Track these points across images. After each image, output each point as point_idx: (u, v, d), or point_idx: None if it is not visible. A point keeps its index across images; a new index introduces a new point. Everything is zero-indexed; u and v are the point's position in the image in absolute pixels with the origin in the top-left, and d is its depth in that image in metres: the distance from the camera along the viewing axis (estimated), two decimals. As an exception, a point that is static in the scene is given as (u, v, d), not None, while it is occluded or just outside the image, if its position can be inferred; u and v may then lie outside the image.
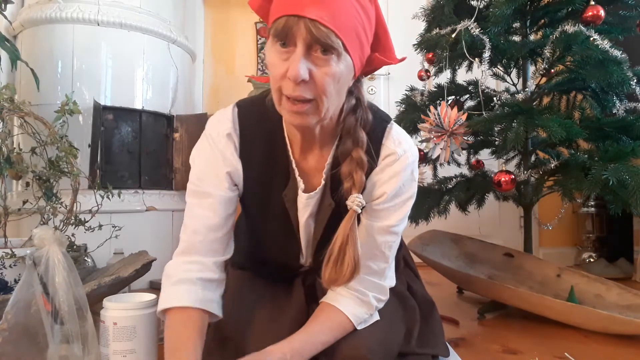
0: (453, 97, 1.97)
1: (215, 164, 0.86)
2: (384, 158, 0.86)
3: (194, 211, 0.86)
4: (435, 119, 1.61)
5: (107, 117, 2.19)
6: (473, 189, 1.81)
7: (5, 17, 1.79)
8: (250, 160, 0.87)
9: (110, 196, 1.51)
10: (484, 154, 2.00)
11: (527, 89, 1.65)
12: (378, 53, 0.81)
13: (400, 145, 0.86)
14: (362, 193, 0.79)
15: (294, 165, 0.87)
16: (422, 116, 1.68)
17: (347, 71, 0.74)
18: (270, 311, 0.91)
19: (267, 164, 0.87)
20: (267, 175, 0.88)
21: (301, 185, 0.87)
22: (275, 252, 0.97)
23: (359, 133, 0.81)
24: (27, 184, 1.47)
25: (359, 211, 0.78)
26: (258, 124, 0.87)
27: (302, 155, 0.88)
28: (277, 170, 0.88)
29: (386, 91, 3.09)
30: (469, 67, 1.90)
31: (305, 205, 0.88)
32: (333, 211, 0.86)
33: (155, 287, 2.10)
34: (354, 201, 0.77)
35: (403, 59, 0.85)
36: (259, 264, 1.01)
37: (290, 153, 0.87)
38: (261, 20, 3.54)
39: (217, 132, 0.87)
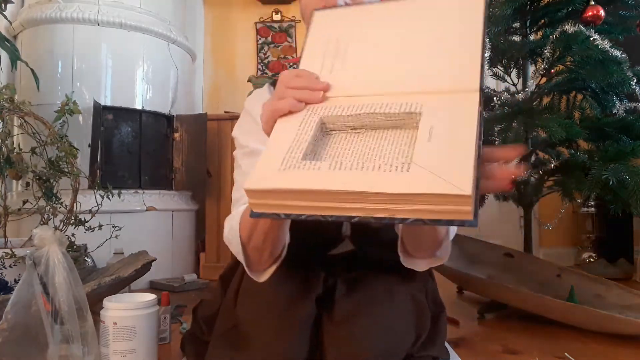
0: (453, 97, 1.97)
1: (258, 131, 0.87)
2: None
3: (249, 170, 0.84)
4: (435, 119, 1.61)
5: (107, 117, 2.20)
6: (473, 188, 1.81)
7: (5, 17, 1.78)
8: None
9: (110, 196, 1.51)
10: (484, 154, 2.00)
11: (527, 89, 1.65)
12: None
13: None
14: None
15: None
16: (422, 116, 1.68)
17: None
18: (282, 307, 0.88)
19: None
20: None
21: None
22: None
23: None
24: (27, 184, 1.47)
25: None
26: None
27: None
28: None
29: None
30: (469, 67, 1.90)
31: None
32: None
33: (155, 287, 2.10)
34: None
35: None
36: (294, 233, 0.89)
37: None
38: (261, 20, 3.54)
39: (256, 105, 0.89)
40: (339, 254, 0.96)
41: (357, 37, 0.61)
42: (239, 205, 0.83)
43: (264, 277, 0.78)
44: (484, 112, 0.50)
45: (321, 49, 0.61)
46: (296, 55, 3.24)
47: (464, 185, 0.41)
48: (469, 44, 0.54)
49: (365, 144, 0.51)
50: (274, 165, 0.50)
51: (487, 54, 1.61)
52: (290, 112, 0.57)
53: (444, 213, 0.43)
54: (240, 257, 0.76)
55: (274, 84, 0.94)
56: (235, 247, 0.77)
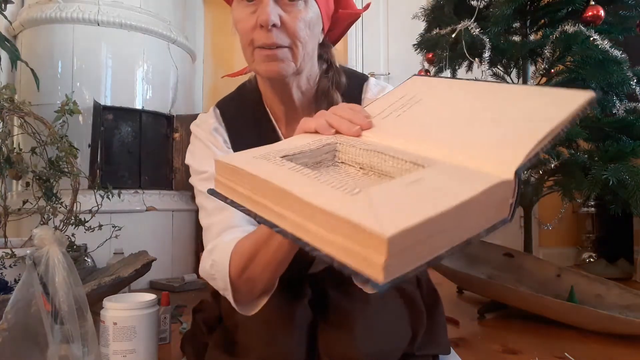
0: (453, 97, 1.97)
1: (211, 155, 0.85)
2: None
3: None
4: (435, 119, 1.61)
5: (107, 117, 2.20)
6: (473, 189, 1.81)
7: (5, 17, 1.79)
8: (243, 148, 0.87)
9: (110, 196, 1.51)
10: (484, 154, 1.99)
11: (527, 89, 1.65)
12: (341, 9, 0.86)
13: (383, 90, 0.88)
14: None
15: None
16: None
17: (315, 18, 0.77)
18: (276, 312, 0.89)
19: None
20: None
21: None
22: None
23: (333, 95, 0.84)
24: (27, 184, 1.47)
25: None
26: (241, 113, 0.90)
27: (288, 129, 0.89)
28: None
29: (386, 91, 3.10)
30: (469, 67, 1.90)
31: None
32: None
33: (155, 287, 2.10)
34: None
35: (367, 7, 0.88)
36: None
37: (279, 131, 0.89)
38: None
39: (203, 131, 0.88)
40: (318, 272, 0.97)
41: (428, 100, 0.59)
42: (213, 234, 0.79)
43: (253, 310, 0.75)
44: (515, 205, 0.43)
45: (391, 102, 0.61)
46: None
47: (390, 227, 0.30)
48: (531, 133, 0.45)
49: (356, 179, 0.49)
50: (256, 153, 0.50)
51: (487, 54, 1.61)
52: (317, 132, 0.57)
53: (353, 256, 0.33)
54: (228, 293, 0.72)
55: (219, 106, 0.93)
56: (220, 282, 0.73)
